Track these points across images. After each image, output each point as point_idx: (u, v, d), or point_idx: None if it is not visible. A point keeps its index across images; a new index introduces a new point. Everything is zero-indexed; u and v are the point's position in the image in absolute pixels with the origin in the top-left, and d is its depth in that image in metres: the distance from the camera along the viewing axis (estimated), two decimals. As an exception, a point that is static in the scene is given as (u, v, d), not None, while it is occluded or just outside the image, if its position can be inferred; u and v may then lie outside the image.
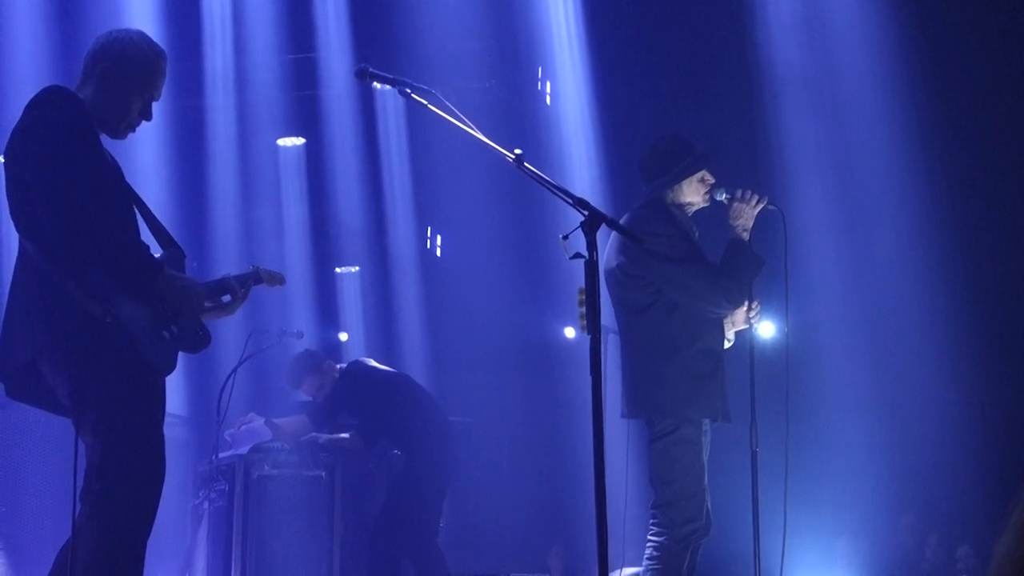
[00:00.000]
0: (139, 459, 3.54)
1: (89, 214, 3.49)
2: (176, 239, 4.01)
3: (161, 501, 3.62)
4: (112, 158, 3.85)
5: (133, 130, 3.89)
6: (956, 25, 8.48)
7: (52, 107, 3.63)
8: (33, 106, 3.64)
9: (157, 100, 3.90)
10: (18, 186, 3.60)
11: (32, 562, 6.13)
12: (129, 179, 3.90)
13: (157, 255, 3.83)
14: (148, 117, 3.88)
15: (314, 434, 6.93)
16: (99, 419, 3.52)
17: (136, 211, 3.86)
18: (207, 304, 3.94)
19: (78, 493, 3.53)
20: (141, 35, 3.91)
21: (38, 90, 3.70)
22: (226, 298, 4.08)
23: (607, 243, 4.86)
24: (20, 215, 3.61)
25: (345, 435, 6.92)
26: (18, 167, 3.59)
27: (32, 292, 3.57)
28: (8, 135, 3.67)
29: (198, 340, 3.82)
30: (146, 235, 3.88)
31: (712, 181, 4.85)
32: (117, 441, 3.51)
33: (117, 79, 3.78)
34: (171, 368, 3.71)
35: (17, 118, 3.66)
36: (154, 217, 3.98)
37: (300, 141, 10.70)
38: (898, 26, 8.47)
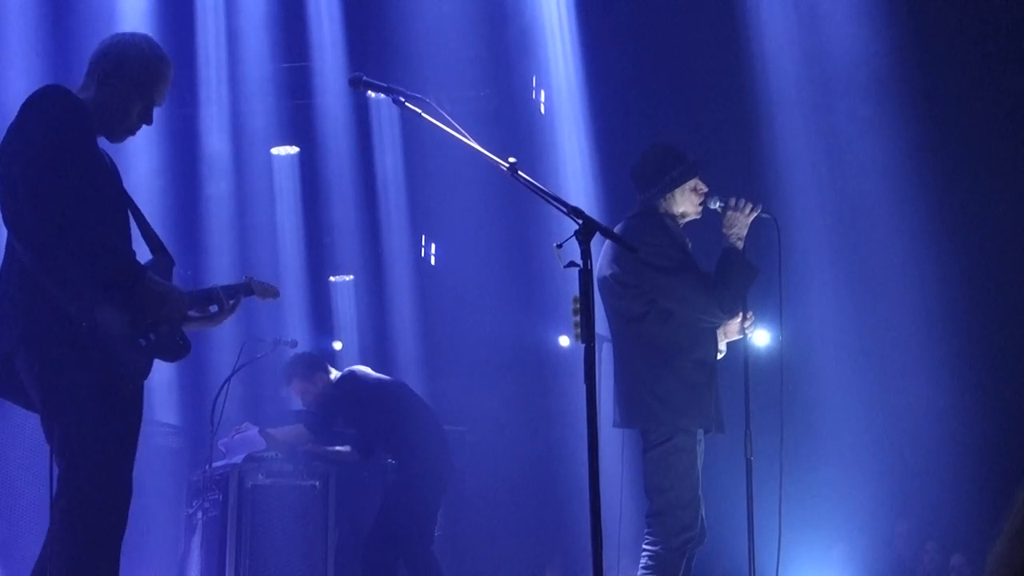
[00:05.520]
0: (103, 476, 3.46)
1: (73, 215, 3.46)
2: (169, 247, 3.97)
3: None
4: (111, 161, 3.83)
5: (132, 134, 3.86)
6: (953, 29, 8.49)
7: (45, 107, 3.61)
8: (27, 105, 3.63)
9: (160, 105, 3.87)
10: (7, 183, 3.58)
11: (29, 567, 6.09)
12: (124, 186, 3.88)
13: (144, 260, 3.78)
14: (148, 121, 3.86)
15: (312, 444, 6.92)
16: (65, 431, 3.47)
17: (130, 216, 3.84)
18: (193, 314, 3.90)
19: (52, 499, 3.48)
20: (146, 39, 3.90)
21: (32, 91, 3.69)
22: (213, 308, 4.02)
23: (601, 252, 4.86)
24: (7, 212, 3.60)
25: (341, 448, 6.92)
26: (7, 164, 3.58)
27: (14, 286, 3.55)
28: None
29: (177, 349, 3.76)
30: (137, 240, 3.84)
31: (705, 190, 4.86)
32: (82, 457, 3.45)
33: (116, 81, 3.77)
34: (144, 375, 3.65)
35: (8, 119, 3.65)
36: (146, 222, 3.94)
37: (294, 150, 10.71)
38: (893, 31, 8.47)
